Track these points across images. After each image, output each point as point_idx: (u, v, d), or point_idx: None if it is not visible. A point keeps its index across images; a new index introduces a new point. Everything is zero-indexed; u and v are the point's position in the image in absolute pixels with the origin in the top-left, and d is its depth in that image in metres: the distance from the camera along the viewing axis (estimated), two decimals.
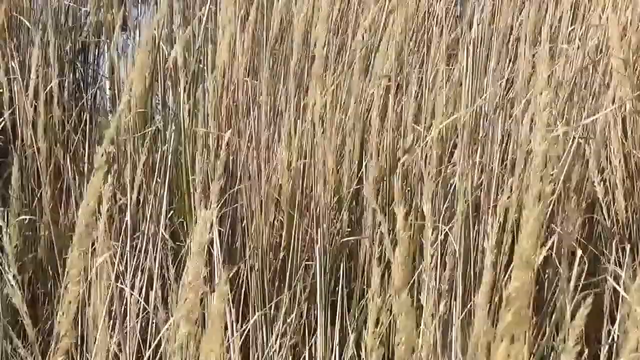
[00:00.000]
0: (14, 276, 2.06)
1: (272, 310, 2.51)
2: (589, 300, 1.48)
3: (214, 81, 2.61)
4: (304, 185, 2.59)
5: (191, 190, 2.63)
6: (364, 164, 2.58)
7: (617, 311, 2.24)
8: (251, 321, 2.43)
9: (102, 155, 1.72)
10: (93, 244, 2.07)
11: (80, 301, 2.24)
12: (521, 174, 2.24)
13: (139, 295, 2.38)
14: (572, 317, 1.99)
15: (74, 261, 1.61)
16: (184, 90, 2.63)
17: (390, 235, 2.51)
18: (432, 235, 2.02)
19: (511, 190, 2.29)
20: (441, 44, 2.67)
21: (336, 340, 2.30)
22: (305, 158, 2.57)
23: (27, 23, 3.42)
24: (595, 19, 2.85)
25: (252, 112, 2.63)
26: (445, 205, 2.49)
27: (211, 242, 2.30)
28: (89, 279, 1.99)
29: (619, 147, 2.70)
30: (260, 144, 2.52)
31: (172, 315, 2.16)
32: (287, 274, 2.52)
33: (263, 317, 2.48)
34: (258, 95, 2.66)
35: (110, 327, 2.24)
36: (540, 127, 1.55)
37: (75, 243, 1.63)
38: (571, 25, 2.92)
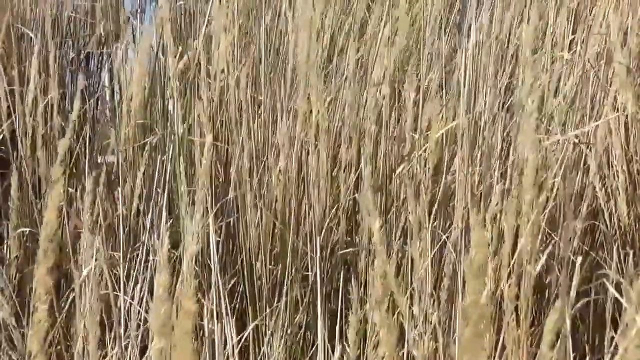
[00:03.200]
0: (1, 290, 2.05)
1: (271, 321, 2.50)
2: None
3: (208, 90, 2.60)
4: (300, 194, 2.58)
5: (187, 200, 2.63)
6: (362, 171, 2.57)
7: (619, 318, 2.23)
8: (248, 331, 2.42)
9: (60, 165, 1.66)
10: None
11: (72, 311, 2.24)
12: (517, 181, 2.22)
13: (139, 306, 2.38)
14: (572, 325, 1.97)
15: (40, 279, 1.53)
16: (177, 100, 2.62)
17: (390, 245, 2.50)
18: (428, 243, 2.01)
19: (511, 195, 2.27)
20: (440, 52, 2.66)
21: (337, 354, 2.28)
22: (300, 167, 2.56)
23: (30, 33, 3.42)
24: (597, 25, 2.84)
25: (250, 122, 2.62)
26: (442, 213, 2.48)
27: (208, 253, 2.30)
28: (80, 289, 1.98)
29: (621, 153, 2.68)
30: (244, 153, 2.51)
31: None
32: (285, 284, 2.51)
33: (262, 328, 2.47)
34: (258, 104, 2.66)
35: (112, 338, 2.24)
36: (529, 134, 1.53)
37: (39, 261, 1.55)
38: (572, 33, 2.90)
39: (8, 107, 2.94)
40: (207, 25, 2.84)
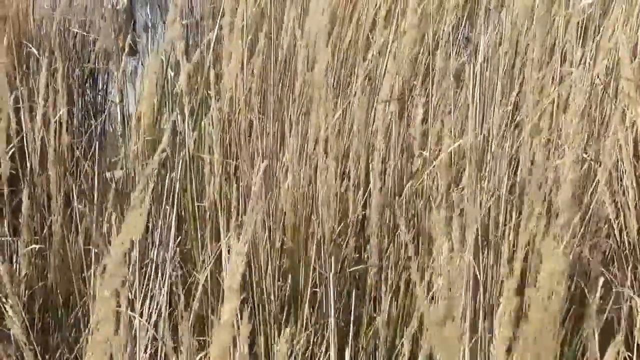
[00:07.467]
0: (11, 306, 2.04)
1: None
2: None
3: (218, 108, 2.60)
4: (309, 211, 2.58)
5: (197, 216, 2.63)
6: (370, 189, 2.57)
7: (632, 336, 2.22)
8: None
9: (141, 192, 1.67)
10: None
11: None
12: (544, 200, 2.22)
13: (148, 323, 2.37)
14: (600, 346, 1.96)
15: (103, 301, 1.54)
16: (189, 117, 2.62)
17: (399, 262, 2.51)
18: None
19: (523, 215, 2.26)
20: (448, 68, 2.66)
21: None
22: (310, 184, 2.56)
23: (35, 52, 3.41)
24: (605, 41, 2.83)
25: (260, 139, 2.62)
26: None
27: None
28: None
29: (630, 169, 2.67)
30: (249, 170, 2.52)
31: (181, 344, 2.15)
32: (297, 301, 2.51)
33: (271, 344, 2.47)
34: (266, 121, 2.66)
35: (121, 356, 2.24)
36: (570, 155, 1.52)
37: (106, 282, 1.55)
38: (581, 46, 2.89)
39: (17, 122, 2.94)
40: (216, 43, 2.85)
